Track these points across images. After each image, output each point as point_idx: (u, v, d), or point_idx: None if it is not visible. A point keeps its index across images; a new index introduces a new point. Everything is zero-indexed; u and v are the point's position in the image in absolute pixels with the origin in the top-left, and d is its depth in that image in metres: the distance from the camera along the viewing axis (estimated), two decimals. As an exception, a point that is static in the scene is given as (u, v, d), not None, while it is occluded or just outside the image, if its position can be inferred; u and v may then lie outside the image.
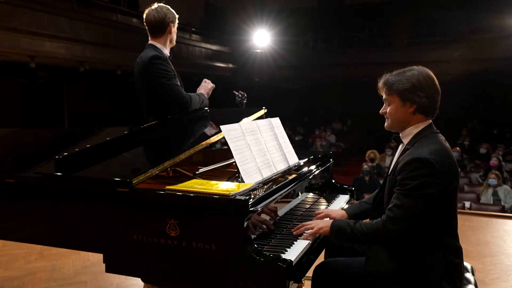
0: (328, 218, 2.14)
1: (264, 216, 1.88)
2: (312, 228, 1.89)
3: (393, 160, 1.99)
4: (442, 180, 1.69)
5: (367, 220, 1.87)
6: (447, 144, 1.83)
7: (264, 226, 1.85)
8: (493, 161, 7.90)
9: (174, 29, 2.72)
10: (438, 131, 1.87)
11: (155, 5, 2.68)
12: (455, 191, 1.80)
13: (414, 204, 1.68)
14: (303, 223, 1.96)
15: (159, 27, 2.65)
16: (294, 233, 1.90)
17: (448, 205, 1.77)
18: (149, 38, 2.72)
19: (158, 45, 2.68)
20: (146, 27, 2.69)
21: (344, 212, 2.19)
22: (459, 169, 1.92)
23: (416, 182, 1.68)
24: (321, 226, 1.89)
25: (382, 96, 1.92)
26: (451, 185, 1.75)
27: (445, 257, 1.75)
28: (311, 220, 2.19)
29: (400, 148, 1.96)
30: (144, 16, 2.68)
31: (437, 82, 1.85)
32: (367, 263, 1.87)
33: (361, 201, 2.27)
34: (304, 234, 1.90)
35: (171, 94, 2.59)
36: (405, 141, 1.89)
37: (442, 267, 1.74)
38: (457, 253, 1.81)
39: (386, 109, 1.90)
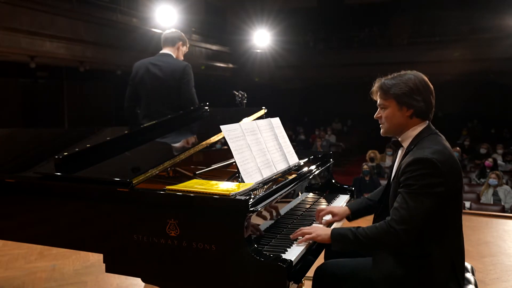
0: (330, 216, 2.16)
1: (265, 214, 1.87)
2: (310, 234, 1.84)
3: (395, 164, 1.98)
4: (445, 179, 1.68)
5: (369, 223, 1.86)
6: (448, 145, 1.82)
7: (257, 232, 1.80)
8: (488, 162, 7.90)
9: (182, 49, 3.35)
10: (437, 131, 1.86)
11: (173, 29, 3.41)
12: (460, 192, 1.78)
13: (420, 203, 1.66)
14: (302, 228, 1.90)
15: (171, 39, 3.30)
16: (292, 237, 1.87)
17: (455, 206, 1.77)
18: (163, 49, 3.30)
19: (174, 55, 3.29)
20: (161, 42, 3.32)
21: (346, 208, 2.20)
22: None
23: (420, 183, 1.67)
24: (320, 233, 1.83)
25: (377, 101, 1.90)
26: (455, 185, 1.74)
27: (452, 257, 1.75)
28: (311, 219, 2.20)
29: (401, 152, 1.95)
30: (163, 34, 3.35)
31: (431, 85, 1.84)
32: (373, 264, 1.85)
33: (364, 197, 2.27)
34: (299, 238, 1.86)
35: (192, 98, 3.16)
36: (405, 144, 1.87)
37: (449, 267, 1.74)
38: (462, 253, 1.81)
39: (380, 113, 1.88)
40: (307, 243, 1.84)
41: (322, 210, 2.17)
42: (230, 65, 16.48)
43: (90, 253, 3.62)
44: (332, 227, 1.97)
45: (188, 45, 3.41)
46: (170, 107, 3.13)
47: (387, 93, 1.83)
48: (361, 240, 1.73)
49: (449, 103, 14.35)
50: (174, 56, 3.29)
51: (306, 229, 1.88)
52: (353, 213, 2.20)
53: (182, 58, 3.37)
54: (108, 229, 1.79)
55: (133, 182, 1.75)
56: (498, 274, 3.72)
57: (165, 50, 3.30)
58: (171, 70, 3.18)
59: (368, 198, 2.24)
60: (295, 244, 1.83)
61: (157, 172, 1.88)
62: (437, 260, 1.73)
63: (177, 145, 2.48)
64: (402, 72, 1.86)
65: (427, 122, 1.86)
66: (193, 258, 1.64)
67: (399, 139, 1.91)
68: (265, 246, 1.79)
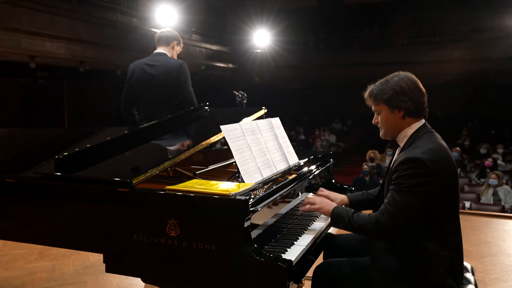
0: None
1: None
2: (314, 205, 2.00)
3: (392, 162, 2.01)
4: (436, 178, 1.71)
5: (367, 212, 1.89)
6: (443, 143, 1.85)
7: None
8: (488, 162, 7.90)
9: (176, 49, 3.27)
10: (433, 130, 1.90)
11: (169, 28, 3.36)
12: (456, 189, 1.81)
13: (406, 200, 1.72)
14: (309, 197, 2.08)
15: (165, 38, 3.24)
16: (301, 208, 2.07)
17: (451, 204, 1.80)
18: (157, 48, 3.23)
19: (169, 54, 3.22)
20: (156, 41, 3.25)
21: (345, 197, 2.26)
22: (458, 168, 1.92)
23: (409, 181, 1.72)
24: (323, 206, 1.98)
25: (372, 107, 1.96)
26: (450, 183, 1.77)
27: (449, 255, 1.77)
28: (311, 219, 2.20)
29: (398, 150, 1.98)
30: (157, 33, 3.29)
31: (420, 84, 1.89)
32: (371, 262, 1.88)
33: (365, 191, 2.30)
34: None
35: (190, 97, 3.10)
36: (401, 144, 1.92)
37: (447, 265, 1.76)
38: (460, 250, 1.83)
39: (377, 119, 1.95)
40: (308, 241, 1.86)
41: (322, 192, 2.24)
42: (230, 65, 16.48)
43: (90, 253, 3.62)
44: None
45: (182, 45, 3.36)
46: (168, 106, 3.09)
47: (376, 99, 1.91)
48: (352, 225, 1.85)
49: (449, 103, 14.36)
50: (169, 56, 3.23)
51: (312, 199, 2.04)
52: (351, 204, 2.24)
53: (176, 57, 3.30)
54: (108, 229, 1.79)
55: (133, 182, 1.75)
56: (498, 274, 3.72)
57: (159, 50, 3.24)
58: (167, 69, 3.13)
59: (369, 193, 2.28)
60: (296, 243, 1.84)
61: (157, 172, 1.89)
62: (433, 255, 1.75)
63: (177, 145, 2.48)
64: (390, 76, 1.91)
65: (423, 120, 1.90)
66: (193, 258, 1.64)
67: (397, 139, 1.94)
68: (265, 246, 1.80)
